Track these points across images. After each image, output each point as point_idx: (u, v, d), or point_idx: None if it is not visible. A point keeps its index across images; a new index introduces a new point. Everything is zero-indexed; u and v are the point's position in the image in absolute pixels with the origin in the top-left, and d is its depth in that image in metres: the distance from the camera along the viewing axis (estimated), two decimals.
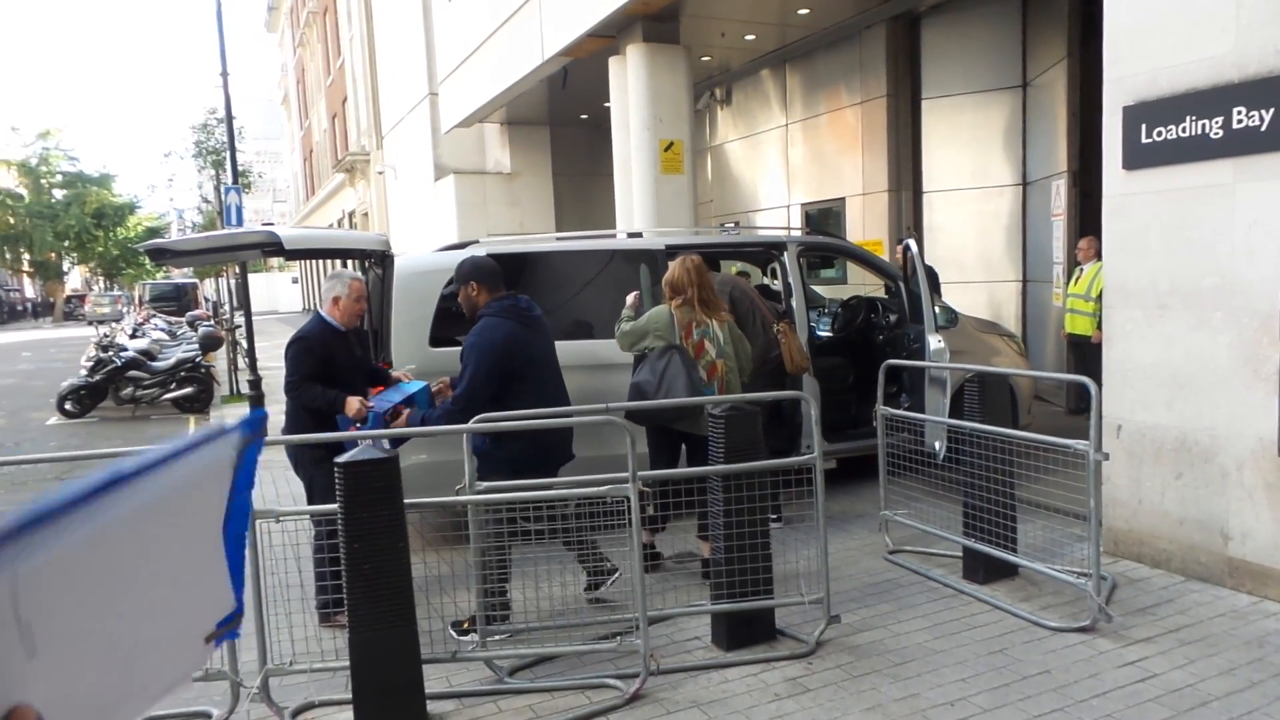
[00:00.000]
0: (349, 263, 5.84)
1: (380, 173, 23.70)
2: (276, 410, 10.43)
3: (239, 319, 12.47)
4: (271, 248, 4.81)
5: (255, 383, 9.66)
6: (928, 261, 8.74)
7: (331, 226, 31.50)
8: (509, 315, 4.06)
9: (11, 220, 40.30)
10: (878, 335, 6.81)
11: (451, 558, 4.33)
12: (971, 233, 9.89)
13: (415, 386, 4.35)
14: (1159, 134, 4.29)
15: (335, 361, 4.19)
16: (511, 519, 3.69)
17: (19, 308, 49.25)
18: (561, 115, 15.92)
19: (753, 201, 13.18)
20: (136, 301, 30.14)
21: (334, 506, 3.18)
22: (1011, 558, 4.27)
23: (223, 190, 12.02)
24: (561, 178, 17.31)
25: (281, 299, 44.28)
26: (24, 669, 0.59)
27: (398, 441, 3.93)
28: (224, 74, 11.24)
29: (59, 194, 42.39)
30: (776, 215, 12.39)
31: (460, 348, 4.17)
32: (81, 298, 46.71)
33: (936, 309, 6.03)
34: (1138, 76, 4.39)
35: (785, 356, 5.38)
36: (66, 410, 11.45)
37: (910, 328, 6.11)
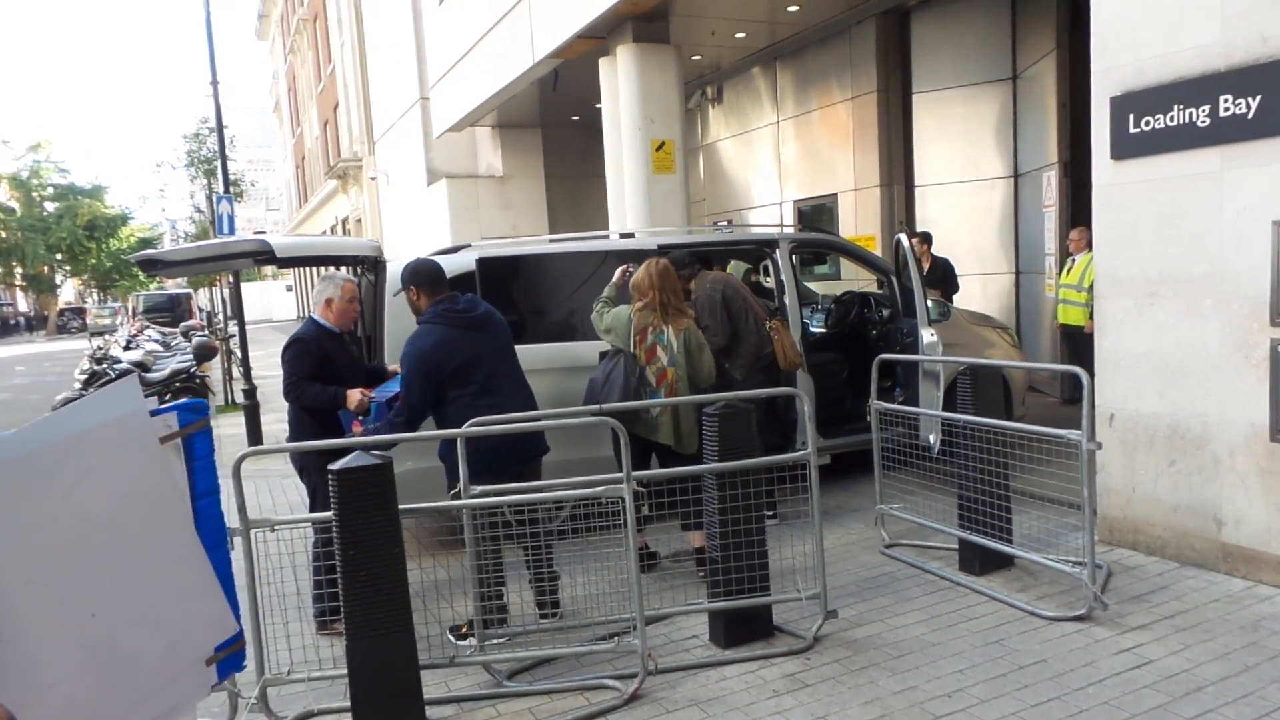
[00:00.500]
0: (341, 269, 5.84)
1: (373, 178, 23.69)
2: (272, 420, 10.38)
3: (233, 328, 12.46)
4: (263, 256, 4.80)
5: (250, 392, 9.66)
6: (943, 254, 8.80)
7: (324, 233, 31.50)
8: (441, 320, 4.01)
9: (3, 234, 40.27)
10: (871, 330, 6.82)
11: (448, 563, 4.33)
12: (964, 226, 9.90)
13: None
14: (1147, 123, 4.31)
15: (332, 362, 4.18)
16: (507, 523, 3.68)
17: (11, 322, 49.07)
18: (553, 117, 15.92)
19: (745, 199, 13.20)
20: (130, 313, 30.08)
21: (329, 514, 3.18)
22: (1007, 549, 4.28)
23: (214, 199, 11.99)
24: (554, 180, 17.31)
25: (276, 307, 44.23)
26: None
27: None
28: (214, 82, 11.22)
29: (50, 206, 42.33)
30: (769, 212, 12.40)
31: None
32: (77, 310, 46.64)
33: (929, 303, 6.04)
34: (1125, 67, 4.40)
35: (778, 353, 5.39)
36: None
37: (903, 322, 6.12)
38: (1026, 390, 7.08)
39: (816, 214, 11.65)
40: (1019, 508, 4.57)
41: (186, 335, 17.90)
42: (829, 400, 6.20)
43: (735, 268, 7.25)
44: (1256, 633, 3.57)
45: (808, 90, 11.51)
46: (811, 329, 6.90)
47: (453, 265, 5.23)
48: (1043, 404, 8.49)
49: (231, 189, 12.64)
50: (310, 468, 4.16)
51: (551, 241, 6.38)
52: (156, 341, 15.99)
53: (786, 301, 5.93)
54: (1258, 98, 3.84)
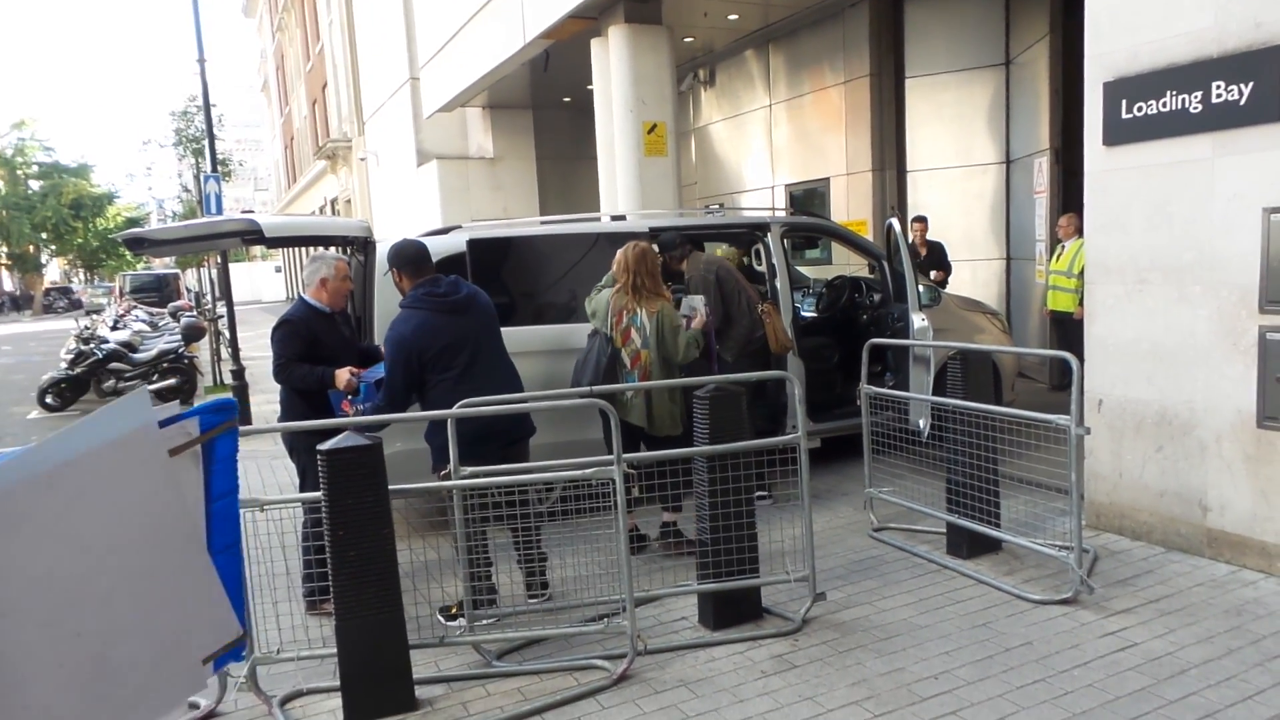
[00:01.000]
0: (331, 249, 5.79)
1: (362, 159, 23.50)
2: (261, 401, 10.35)
3: (221, 309, 12.38)
4: (252, 236, 4.76)
5: (238, 373, 9.60)
6: (937, 238, 8.84)
7: (313, 214, 31.24)
8: (421, 304, 3.98)
9: None
10: (862, 314, 6.82)
11: (438, 543, 4.33)
12: (955, 211, 9.91)
13: None
14: (1139, 109, 4.30)
15: (321, 343, 4.16)
16: (496, 504, 3.68)
17: None
18: (544, 98, 15.81)
19: (737, 183, 13.16)
20: (117, 293, 29.83)
21: (319, 494, 3.17)
22: (995, 533, 4.31)
23: (202, 179, 11.86)
24: (545, 161, 17.22)
25: (264, 288, 43.96)
26: None
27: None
28: (201, 60, 11.07)
29: (35, 185, 41.83)
30: (761, 196, 12.37)
31: None
32: (63, 290, 46.25)
33: (921, 287, 6.05)
34: (1118, 52, 4.39)
35: (770, 337, 5.40)
36: (48, 404, 11.34)
37: (894, 306, 6.12)
38: (1016, 375, 7.11)
39: (808, 198, 11.63)
40: (1007, 492, 4.59)
41: (174, 316, 17.77)
42: (819, 384, 6.21)
43: (726, 252, 7.24)
44: (1240, 617, 3.61)
45: (800, 74, 11.46)
46: (803, 313, 6.90)
47: (443, 246, 5.20)
48: (1031, 389, 8.54)
49: (220, 168, 12.51)
50: (300, 448, 4.14)
51: (542, 224, 6.35)
52: (144, 322, 15.87)
53: (778, 285, 5.92)
54: (1250, 84, 3.84)
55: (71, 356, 11.51)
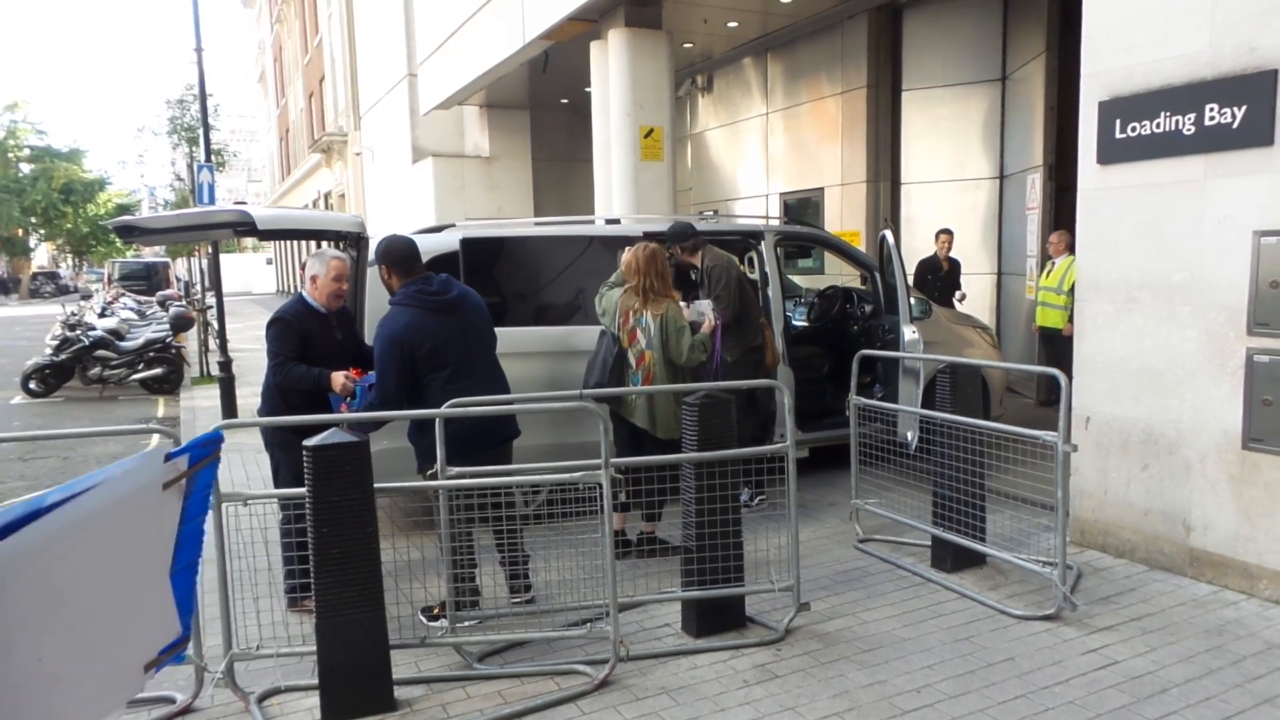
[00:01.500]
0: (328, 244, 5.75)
1: (357, 154, 23.42)
2: (248, 394, 10.29)
3: (210, 300, 12.29)
4: (244, 227, 4.71)
5: (226, 364, 9.54)
6: (953, 255, 8.84)
7: (307, 207, 31.11)
8: (411, 302, 3.91)
9: None
10: (853, 325, 6.84)
11: (422, 543, 4.31)
12: (948, 225, 9.93)
13: None
14: (1133, 129, 4.33)
15: (311, 343, 4.07)
16: (481, 505, 3.66)
17: None
18: (542, 99, 15.80)
19: (732, 190, 13.18)
20: (105, 280, 29.61)
21: (301, 490, 3.14)
22: (980, 547, 4.32)
23: (195, 168, 11.79)
24: (541, 162, 17.20)
25: (255, 280, 43.72)
26: None
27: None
28: (198, 49, 11.02)
29: (26, 168, 41.49)
30: (755, 204, 12.40)
31: None
32: (51, 275, 45.89)
33: (911, 300, 6.07)
34: (1114, 72, 4.42)
35: (767, 349, 5.45)
36: (31, 389, 11.25)
37: (885, 319, 6.14)
38: (1004, 390, 7.14)
39: (802, 207, 11.66)
40: (993, 507, 4.60)
41: (163, 305, 17.65)
42: (809, 394, 6.22)
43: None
44: (1221, 637, 3.62)
45: (798, 83, 11.50)
46: (794, 322, 6.91)
47: (437, 245, 5.18)
48: (1019, 405, 8.57)
49: (213, 158, 12.44)
50: (274, 443, 4.09)
51: (536, 225, 6.34)
52: (132, 310, 15.76)
53: (770, 294, 5.93)
54: (1243, 108, 3.87)
55: (57, 342, 11.42)
